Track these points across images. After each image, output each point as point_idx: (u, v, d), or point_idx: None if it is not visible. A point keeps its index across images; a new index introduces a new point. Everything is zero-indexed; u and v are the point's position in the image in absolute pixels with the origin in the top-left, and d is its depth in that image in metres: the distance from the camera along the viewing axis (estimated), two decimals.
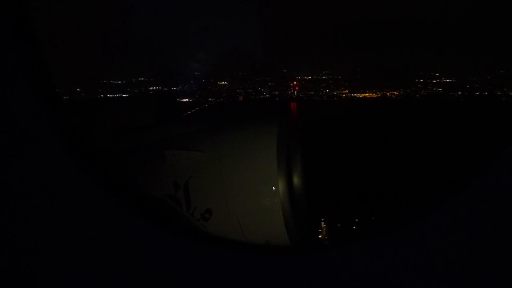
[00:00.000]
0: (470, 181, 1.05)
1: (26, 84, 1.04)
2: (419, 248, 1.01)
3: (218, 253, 1.13)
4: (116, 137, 2.55)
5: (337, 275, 1.02)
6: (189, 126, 2.44)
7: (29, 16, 1.07)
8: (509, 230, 0.96)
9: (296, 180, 2.36)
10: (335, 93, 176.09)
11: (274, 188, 1.86)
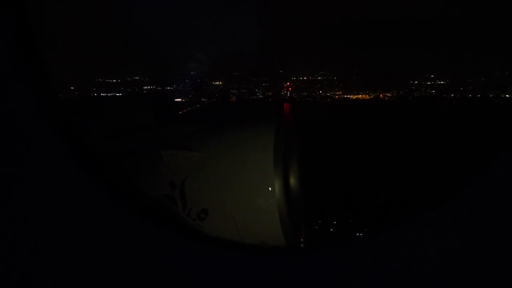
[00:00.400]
0: (468, 181, 1.05)
1: (26, 84, 1.04)
2: (417, 248, 1.01)
3: (217, 253, 1.13)
4: (113, 137, 2.53)
5: (334, 276, 1.01)
6: (187, 127, 2.43)
7: (29, 16, 1.07)
8: (507, 230, 0.97)
9: (292, 180, 2.36)
10: (328, 94, 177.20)
11: (270, 188, 1.84)
